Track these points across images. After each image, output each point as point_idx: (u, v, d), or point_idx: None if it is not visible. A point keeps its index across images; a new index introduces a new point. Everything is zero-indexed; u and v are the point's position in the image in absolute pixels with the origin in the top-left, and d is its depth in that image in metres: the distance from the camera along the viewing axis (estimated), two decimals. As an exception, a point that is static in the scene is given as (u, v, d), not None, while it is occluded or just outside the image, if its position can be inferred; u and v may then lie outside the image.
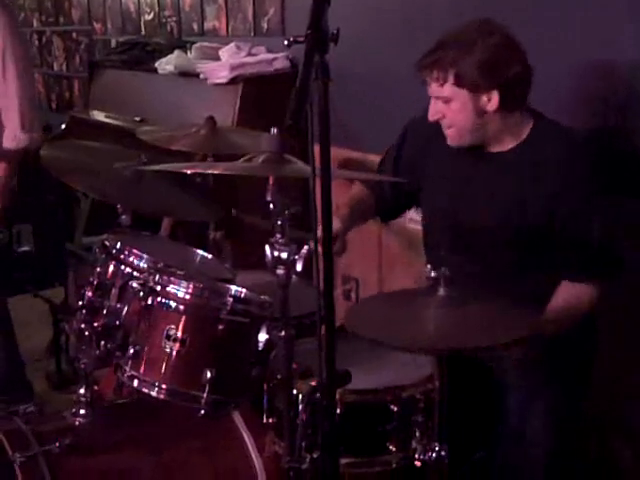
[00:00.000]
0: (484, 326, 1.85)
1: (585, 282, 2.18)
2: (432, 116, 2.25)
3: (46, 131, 5.08)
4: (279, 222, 1.82)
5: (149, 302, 2.04)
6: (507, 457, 2.18)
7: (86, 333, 2.10)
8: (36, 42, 6.62)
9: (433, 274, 1.89)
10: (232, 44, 3.95)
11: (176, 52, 4.20)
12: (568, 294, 2.18)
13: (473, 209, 2.30)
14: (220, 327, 2.02)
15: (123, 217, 2.48)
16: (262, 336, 1.99)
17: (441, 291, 1.87)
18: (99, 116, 4.68)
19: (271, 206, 1.83)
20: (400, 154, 2.52)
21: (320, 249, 1.60)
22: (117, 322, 2.11)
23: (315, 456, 1.89)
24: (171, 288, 2.03)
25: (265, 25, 4.03)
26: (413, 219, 3.33)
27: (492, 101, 2.16)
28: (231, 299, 2.03)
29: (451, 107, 2.20)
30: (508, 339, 1.83)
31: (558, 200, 2.15)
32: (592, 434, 2.52)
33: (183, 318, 2.02)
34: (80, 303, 2.16)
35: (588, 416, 2.37)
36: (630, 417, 2.60)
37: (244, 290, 2.13)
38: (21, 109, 3.25)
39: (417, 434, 2.00)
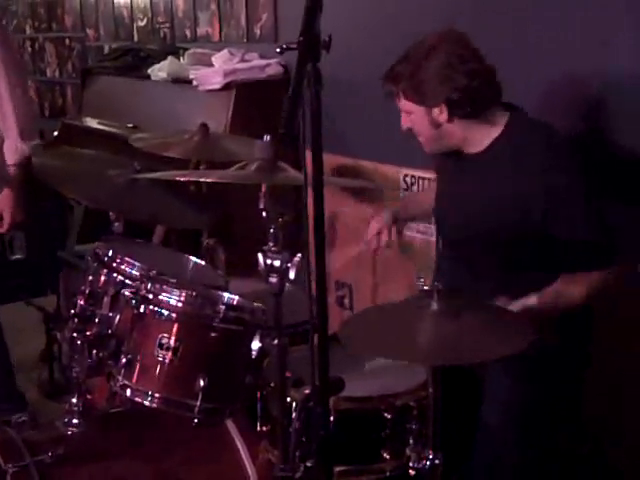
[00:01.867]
0: (478, 338, 1.84)
1: (584, 271, 2.16)
2: (403, 125, 2.30)
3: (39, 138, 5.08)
4: (272, 229, 1.81)
5: (141, 310, 2.03)
6: (487, 461, 2.18)
7: (78, 342, 2.09)
8: (29, 49, 6.62)
9: (426, 287, 1.89)
10: (225, 50, 3.95)
11: (169, 58, 4.19)
12: (566, 280, 2.17)
13: (457, 211, 2.33)
14: (213, 335, 2.01)
15: (116, 224, 2.48)
16: (255, 344, 1.99)
17: (434, 304, 1.86)
18: (92, 123, 4.68)
19: (264, 214, 1.82)
20: None
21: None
22: (109, 331, 2.10)
23: (309, 464, 1.88)
24: (163, 296, 2.02)
25: (258, 31, 4.03)
26: (407, 226, 3.34)
27: (443, 114, 2.19)
28: (223, 307, 2.02)
29: (413, 119, 2.25)
30: (503, 351, 1.82)
31: (539, 191, 2.13)
32: (587, 435, 2.52)
33: (175, 326, 2.01)
34: (72, 312, 2.15)
35: (582, 417, 2.36)
36: (623, 417, 2.60)
37: (237, 297, 2.13)
38: (18, 120, 3.27)
39: (411, 442, 1.99)
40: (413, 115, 2.24)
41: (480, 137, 2.24)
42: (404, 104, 2.24)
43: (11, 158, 3.26)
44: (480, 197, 2.25)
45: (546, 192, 2.12)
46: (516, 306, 2.10)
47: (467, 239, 2.32)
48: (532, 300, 2.12)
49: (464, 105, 2.17)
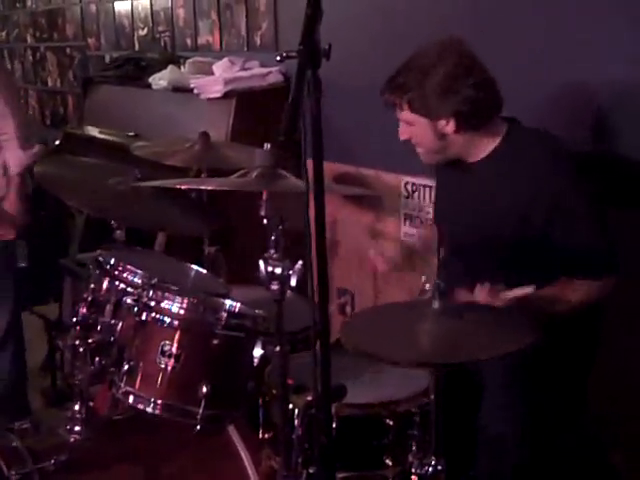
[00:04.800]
0: (479, 338, 1.84)
1: (584, 279, 2.17)
2: (400, 136, 2.30)
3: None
4: (273, 237, 1.81)
5: (143, 318, 2.04)
6: (488, 464, 2.17)
7: (80, 349, 2.10)
8: (30, 58, 6.63)
9: (427, 287, 1.89)
10: (225, 59, 3.96)
11: (170, 67, 4.20)
12: (564, 285, 2.17)
13: (459, 218, 2.34)
14: (215, 342, 2.02)
15: (117, 232, 2.48)
16: (257, 351, 1.99)
17: (436, 304, 1.87)
18: (93, 132, 4.68)
19: (265, 221, 1.83)
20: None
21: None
22: (111, 338, 2.11)
23: (311, 471, 1.88)
24: (165, 304, 2.03)
25: (258, 40, 4.04)
26: (408, 233, 3.35)
27: (449, 125, 2.19)
28: (225, 314, 2.03)
29: (414, 130, 2.25)
30: (504, 351, 1.82)
31: (541, 197, 2.15)
32: (587, 437, 2.52)
33: (177, 333, 2.02)
34: (74, 319, 2.15)
35: (584, 420, 2.36)
36: (623, 421, 2.60)
37: (238, 304, 2.13)
38: (17, 132, 3.33)
39: (413, 448, 1.99)
40: (415, 127, 2.23)
41: (482, 146, 2.25)
42: (406, 115, 2.23)
43: (16, 168, 3.34)
44: (481, 204, 2.26)
45: (548, 197, 2.13)
46: (509, 294, 2.08)
47: (468, 244, 2.32)
48: (528, 289, 2.08)
49: (472, 117, 2.18)
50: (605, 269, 2.17)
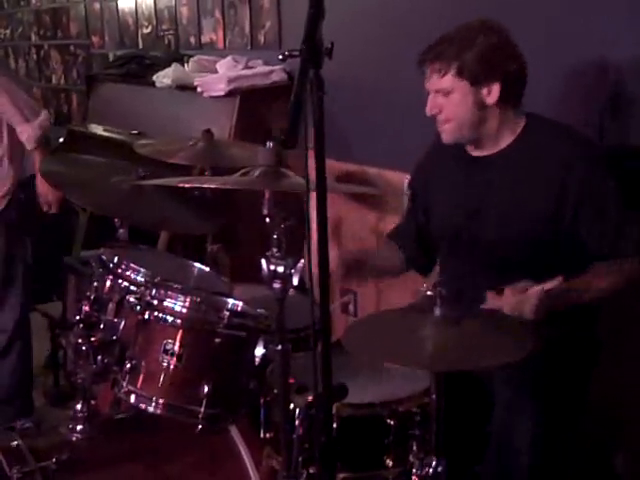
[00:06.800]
0: (482, 345, 1.84)
1: (613, 259, 2.17)
2: (430, 110, 2.25)
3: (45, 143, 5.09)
4: (275, 235, 1.81)
5: (146, 316, 2.04)
6: (494, 469, 2.17)
7: (83, 348, 2.10)
8: (34, 56, 6.63)
9: (430, 293, 1.88)
10: (229, 57, 3.96)
11: (173, 65, 4.20)
12: (594, 272, 2.16)
13: (479, 216, 2.29)
14: (217, 341, 2.02)
15: (121, 231, 2.48)
16: (259, 350, 1.99)
17: (437, 310, 1.86)
18: (97, 129, 4.68)
19: (267, 219, 1.83)
20: (414, 196, 2.57)
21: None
22: (114, 337, 2.11)
23: (312, 471, 1.88)
24: (168, 302, 2.03)
25: (262, 38, 4.04)
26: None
27: (492, 94, 2.18)
28: (228, 313, 2.03)
29: (451, 100, 2.21)
30: (506, 359, 1.81)
31: (567, 188, 2.15)
32: (588, 440, 2.52)
33: (180, 332, 2.02)
34: (77, 318, 2.16)
35: (585, 423, 2.36)
36: (625, 424, 2.59)
37: (240, 303, 2.13)
38: (15, 105, 3.31)
39: (414, 448, 1.99)
40: (454, 95, 2.19)
41: (508, 130, 2.25)
42: (445, 82, 2.18)
43: (29, 145, 3.32)
44: (505, 197, 2.24)
45: (577, 184, 2.14)
46: (538, 288, 2.01)
47: (488, 242, 2.28)
48: (556, 282, 2.01)
49: (515, 87, 2.20)
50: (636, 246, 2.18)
